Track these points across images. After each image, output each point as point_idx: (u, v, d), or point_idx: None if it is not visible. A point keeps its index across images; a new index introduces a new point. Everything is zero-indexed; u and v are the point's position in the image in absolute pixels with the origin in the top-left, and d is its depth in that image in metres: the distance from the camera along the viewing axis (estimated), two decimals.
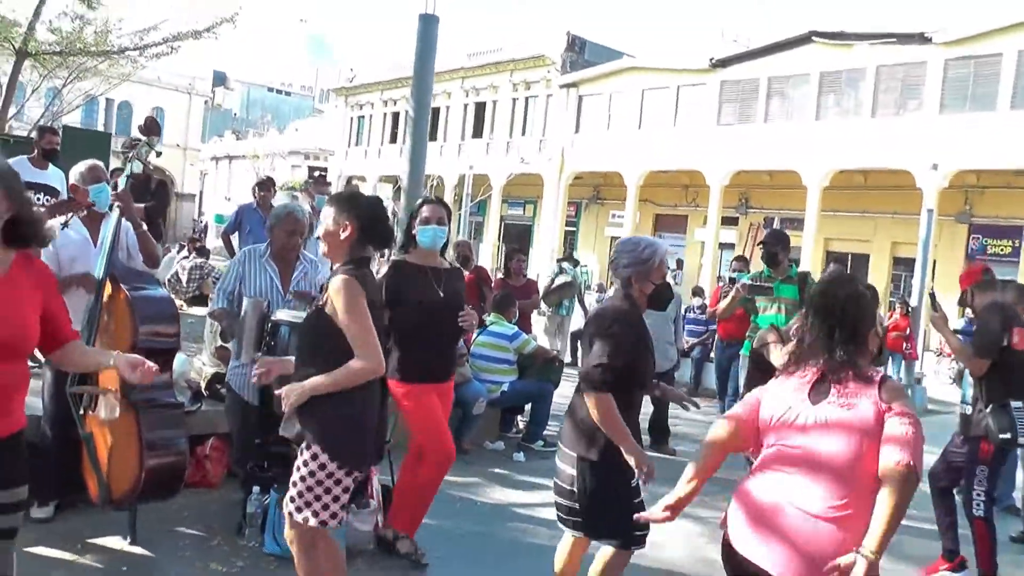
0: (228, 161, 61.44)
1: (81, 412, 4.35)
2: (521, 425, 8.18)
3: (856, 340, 2.88)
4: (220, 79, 67.43)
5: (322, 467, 3.34)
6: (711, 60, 29.33)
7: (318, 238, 3.58)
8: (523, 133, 36.50)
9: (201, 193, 58.49)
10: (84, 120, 40.65)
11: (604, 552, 3.84)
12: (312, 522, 3.36)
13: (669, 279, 4.08)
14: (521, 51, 36.29)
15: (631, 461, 3.58)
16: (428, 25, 7.47)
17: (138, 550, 4.58)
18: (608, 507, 3.67)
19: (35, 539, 4.37)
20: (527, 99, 36.55)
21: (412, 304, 4.61)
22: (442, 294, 4.68)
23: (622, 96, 32.30)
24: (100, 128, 35.37)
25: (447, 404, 4.90)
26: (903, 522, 2.61)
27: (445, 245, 4.88)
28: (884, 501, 2.60)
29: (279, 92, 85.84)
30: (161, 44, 19.85)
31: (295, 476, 3.41)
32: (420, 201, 5.00)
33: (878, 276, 25.79)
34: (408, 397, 4.64)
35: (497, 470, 6.95)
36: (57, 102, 26.72)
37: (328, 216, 3.50)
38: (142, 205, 6.36)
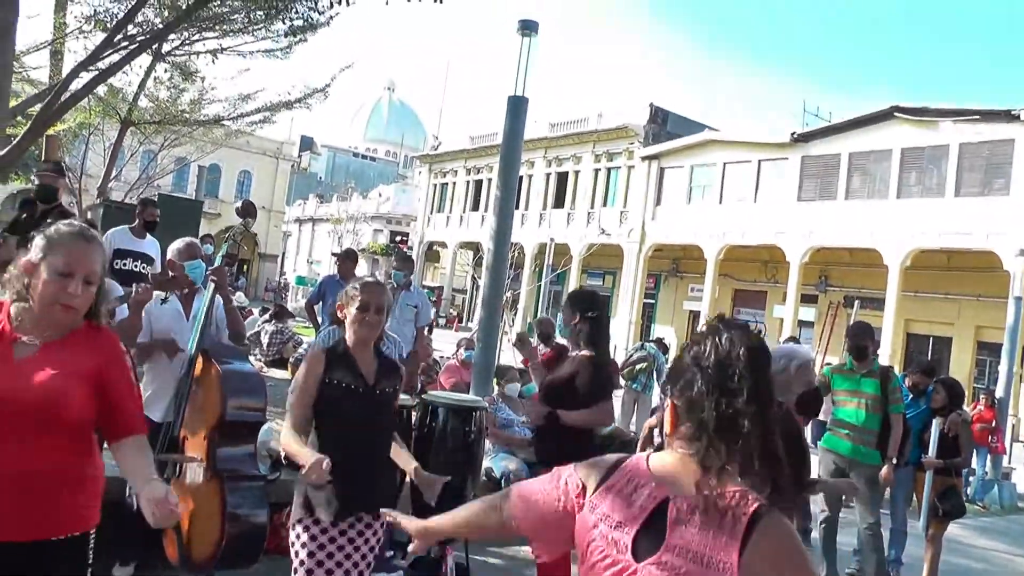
0: (311, 224, 63.02)
1: (166, 477, 4.56)
2: None
3: (767, 440, 1.71)
4: (307, 144, 69.45)
5: None
6: (793, 135, 29.35)
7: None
8: (604, 204, 36.82)
9: (283, 254, 59.98)
10: (175, 182, 42.28)
11: None
12: None
13: None
14: (604, 122, 36.83)
15: None
16: (517, 107, 7.59)
17: None
18: None
19: None
20: (609, 170, 36.94)
21: None
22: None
23: (703, 169, 32.44)
24: (190, 190, 36.69)
25: None
26: None
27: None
28: None
29: (364, 157, 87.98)
30: (255, 114, 20.70)
31: None
32: None
33: (961, 360, 25.12)
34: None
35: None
36: (152, 166, 27.90)
37: None
38: None
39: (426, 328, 8.69)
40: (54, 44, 14.12)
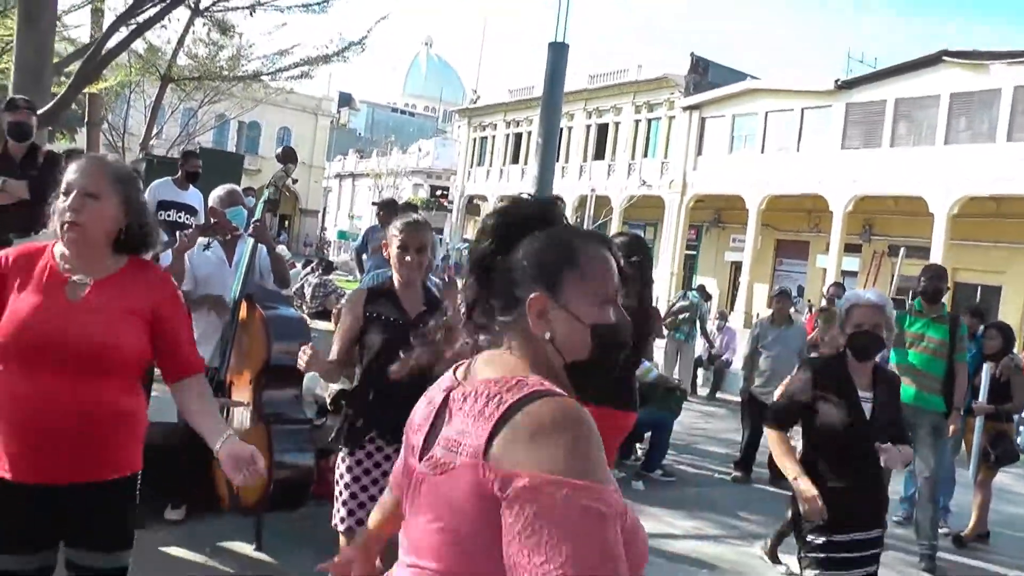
0: (352, 179, 63.20)
1: None
2: (640, 453, 8.15)
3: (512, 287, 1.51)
4: (346, 100, 69.49)
5: None
6: (837, 82, 28.77)
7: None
8: (645, 155, 36.48)
9: (324, 210, 60.30)
10: (215, 139, 42.56)
11: None
12: None
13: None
14: (644, 73, 36.36)
15: (800, 499, 3.56)
16: (558, 53, 7.48)
17: (264, 556, 4.78)
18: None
19: (168, 540, 4.64)
20: (650, 121, 36.52)
21: None
22: None
23: (745, 118, 31.99)
24: (231, 146, 36.89)
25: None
26: None
27: None
28: None
29: (403, 112, 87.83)
30: (292, 68, 20.68)
31: None
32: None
33: (1012, 310, 24.65)
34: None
35: None
36: (192, 123, 28.13)
37: None
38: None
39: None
40: (93, 2, 14.20)
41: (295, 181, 5.00)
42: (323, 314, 13.11)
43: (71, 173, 2.45)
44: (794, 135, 30.05)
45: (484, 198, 45.53)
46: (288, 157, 4.90)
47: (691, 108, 33.79)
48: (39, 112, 6.85)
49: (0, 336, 2.37)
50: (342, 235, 51.23)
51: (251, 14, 15.63)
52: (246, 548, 4.82)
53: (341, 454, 3.55)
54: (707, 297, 13.14)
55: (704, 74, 34.54)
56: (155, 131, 21.51)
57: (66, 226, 2.41)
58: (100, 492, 2.46)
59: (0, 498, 2.38)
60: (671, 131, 35.08)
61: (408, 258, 3.44)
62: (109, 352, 2.42)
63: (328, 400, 5.86)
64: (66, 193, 2.42)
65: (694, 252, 36.43)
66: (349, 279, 15.30)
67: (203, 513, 5.04)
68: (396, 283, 3.54)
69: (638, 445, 8.22)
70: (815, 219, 30.94)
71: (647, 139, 36.69)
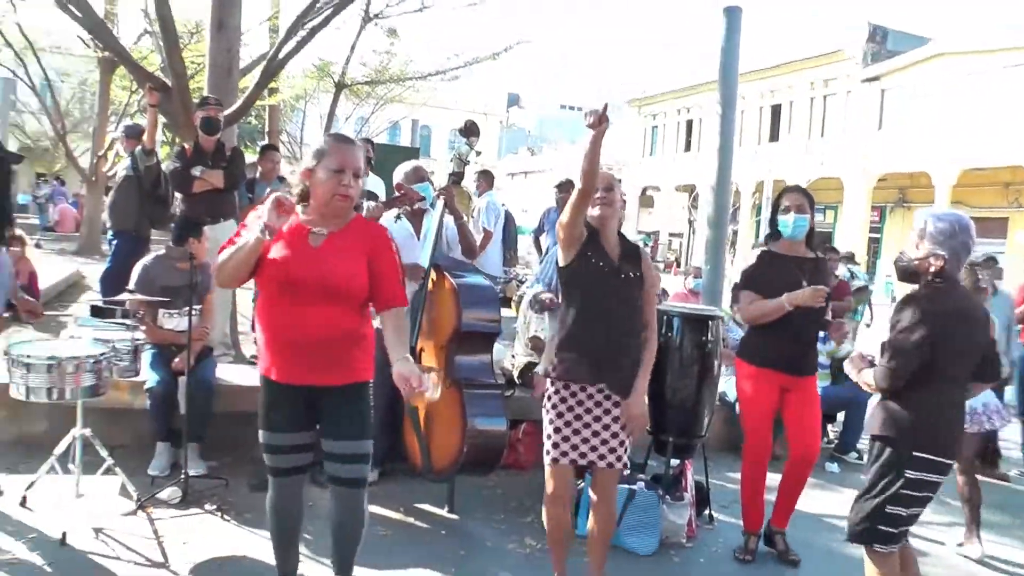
0: (524, 176, 63.98)
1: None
2: (831, 435, 7.78)
3: None
4: (513, 100, 70.32)
5: None
6: None
7: None
8: (822, 134, 35.04)
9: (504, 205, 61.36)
10: (388, 142, 44.07)
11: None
12: None
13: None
14: (818, 47, 34.76)
15: None
16: (732, 18, 7.34)
17: (456, 518, 4.92)
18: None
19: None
20: (825, 97, 35.04)
21: (771, 293, 4.54)
22: (805, 284, 4.52)
23: (930, 87, 29.98)
24: None
25: (806, 402, 4.67)
26: None
27: (811, 234, 4.70)
28: None
29: (571, 108, 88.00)
30: (461, 68, 21.09)
31: None
32: (783, 189, 4.93)
33: None
34: (745, 378, 4.69)
35: (813, 479, 6.48)
36: (365, 129, 29.26)
37: None
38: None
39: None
40: (271, 19, 15.14)
41: (479, 153, 5.05)
42: (503, 301, 13.30)
43: (341, 153, 3.13)
44: (988, 101, 27.68)
45: (657, 188, 44.97)
46: (471, 131, 4.96)
47: (870, 80, 32.11)
48: (228, 112, 7.34)
49: (266, 277, 3.15)
50: (520, 230, 51.86)
51: (421, 9, 16.10)
52: (438, 510, 4.98)
53: (549, 391, 3.77)
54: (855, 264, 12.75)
55: (883, 42, 32.64)
56: None
57: (339, 198, 3.11)
58: (342, 392, 3.22)
59: (273, 394, 3.25)
60: (848, 107, 33.48)
61: (601, 197, 3.70)
62: (344, 285, 3.12)
63: (516, 372, 5.90)
64: (339, 171, 3.09)
65: (877, 235, 34.66)
66: (527, 270, 15.48)
67: (394, 477, 5.25)
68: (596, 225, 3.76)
69: (830, 426, 7.85)
70: (1014, 193, 28.83)
71: (823, 116, 35.22)
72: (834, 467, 7.02)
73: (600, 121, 3.22)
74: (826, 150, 33.98)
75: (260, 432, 3.30)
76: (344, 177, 3.10)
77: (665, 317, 5.04)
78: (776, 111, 37.45)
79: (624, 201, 3.89)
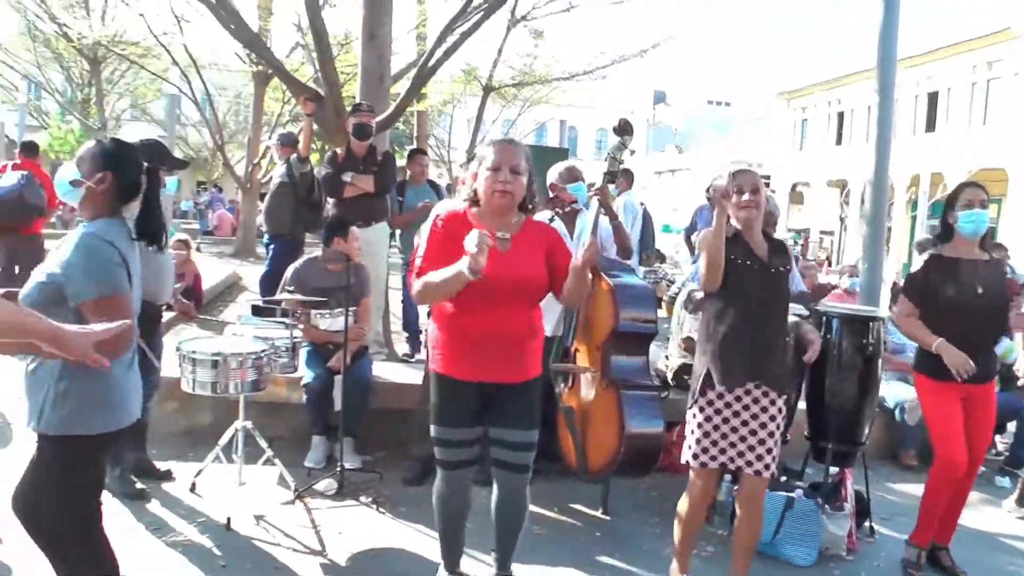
0: (671, 174, 63.34)
1: (561, 386, 4.71)
2: (1000, 446, 7.23)
3: None
4: (660, 98, 69.71)
5: None
6: None
7: None
8: (983, 122, 32.98)
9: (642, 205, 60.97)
10: (535, 143, 44.39)
11: None
12: None
13: None
14: (980, 27, 32.58)
15: None
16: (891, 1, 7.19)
17: (609, 519, 4.87)
18: None
19: None
20: (988, 81, 32.98)
21: (944, 300, 4.28)
22: (980, 291, 4.25)
23: None
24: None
25: (983, 409, 4.42)
26: None
27: (986, 233, 4.38)
28: None
29: (718, 104, 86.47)
30: (608, 66, 21.04)
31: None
32: (959, 184, 4.65)
33: None
34: (927, 393, 4.44)
35: (981, 494, 5.96)
36: (512, 131, 29.53)
37: None
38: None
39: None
40: (418, 27, 15.49)
41: (632, 152, 4.97)
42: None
43: (497, 151, 3.31)
44: None
45: (807, 184, 43.52)
46: (625, 130, 4.87)
47: None
48: (380, 118, 7.49)
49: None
50: (666, 228, 51.30)
51: (568, 9, 16.17)
52: (592, 511, 4.94)
53: (699, 397, 3.73)
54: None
55: None
56: (479, 140, 22.74)
57: (497, 194, 3.27)
58: (515, 389, 3.39)
59: (454, 390, 3.40)
60: (1016, 90, 31.32)
61: (743, 200, 3.71)
62: (534, 282, 3.35)
63: (670, 374, 5.79)
64: (495, 169, 3.26)
65: None
66: (677, 270, 15.35)
67: (547, 477, 5.16)
68: (740, 229, 3.78)
69: (999, 437, 7.27)
70: None
71: (985, 103, 33.21)
72: (1005, 481, 6.45)
73: (728, 194, 3.57)
74: (989, 139, 31.97)
75: (432, 427, 3.46)
76: (501, 174, 3.26)
77: (824, 318, 4.87)
78: (933, 99, 35.47)
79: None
